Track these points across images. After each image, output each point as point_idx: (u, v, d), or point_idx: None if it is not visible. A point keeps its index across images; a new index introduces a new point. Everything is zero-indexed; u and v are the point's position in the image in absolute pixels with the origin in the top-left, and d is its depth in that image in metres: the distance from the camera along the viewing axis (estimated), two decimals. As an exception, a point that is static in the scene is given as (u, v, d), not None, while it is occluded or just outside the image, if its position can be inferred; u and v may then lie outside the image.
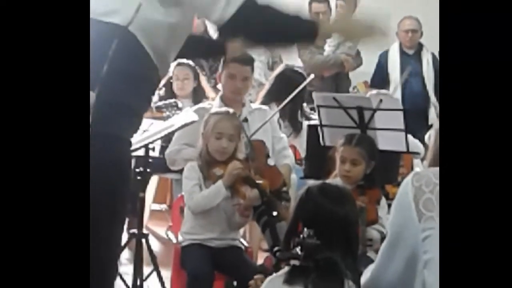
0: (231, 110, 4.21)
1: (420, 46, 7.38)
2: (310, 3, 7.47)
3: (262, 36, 2.38)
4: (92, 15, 2.10)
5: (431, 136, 4.99)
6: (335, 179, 4.08)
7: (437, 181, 1.47)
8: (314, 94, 4.75)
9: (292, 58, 7.14)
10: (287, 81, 5.56)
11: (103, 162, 2.16)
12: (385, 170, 4.40)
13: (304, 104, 5.75)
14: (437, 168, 1.50)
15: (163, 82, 5.75)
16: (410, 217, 1.47)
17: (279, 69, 5.96)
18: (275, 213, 4.11)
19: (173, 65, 5.59)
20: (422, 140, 5.64)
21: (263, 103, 5.45)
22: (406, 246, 1.48)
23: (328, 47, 7.36)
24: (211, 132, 4.05)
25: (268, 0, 2.38)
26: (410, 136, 4.61)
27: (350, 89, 7.48)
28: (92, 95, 2.10)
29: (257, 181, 4.04)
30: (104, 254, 2.24)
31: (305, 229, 2.92)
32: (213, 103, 4.87)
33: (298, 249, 2.88)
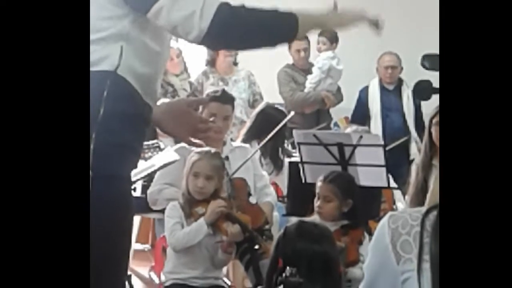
0: (213, 150, 4.21)
1: (400, 82, 7.42)
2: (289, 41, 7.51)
3: (243, 38, 2.35)
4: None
5: (412, 171, 5.00)
6: (317, 216, 4.09)
7: (414, 223, 1.47)
8: (294, 132, 4.77)
9: (273, 96, 7.18)
10: (268, 118, 5.58)
11: (106, 204, 2.19)
12: (368, 206, 4.42)
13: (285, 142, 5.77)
14: (414, 209, 1.50)
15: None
16: (388, 260, 1.47)
17: (260, 107, 5.98)
18: (257, 247, 4.11)
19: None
20: (403, 175, 5.65)
21: (244, 141, 5.46)
22: (385, 288, 1.48)
23: (309, 84, 7.39)
24: (189, 171, 4.06)
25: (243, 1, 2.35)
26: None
27: (331, 125, 7.51)
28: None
29: (238, 217, 4.05)
30: None
31: (288, 268, 2.93)
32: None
33: (281, 288, 2.88)
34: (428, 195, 1.51)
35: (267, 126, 5.28)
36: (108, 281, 2.26)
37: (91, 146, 2.15)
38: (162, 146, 5.51)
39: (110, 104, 2.20)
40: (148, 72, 2.32)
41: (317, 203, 4.12)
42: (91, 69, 2.17)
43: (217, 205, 3.98)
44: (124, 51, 2.24)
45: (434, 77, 2.00)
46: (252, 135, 5.58)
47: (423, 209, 1.49)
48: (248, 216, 4.20)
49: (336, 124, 7.60)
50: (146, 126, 2.42)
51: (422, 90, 2.03)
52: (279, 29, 2.37)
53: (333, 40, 7.54)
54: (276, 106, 6.08)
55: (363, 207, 4.22)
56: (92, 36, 2.20)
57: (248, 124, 5.81)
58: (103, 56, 2.23)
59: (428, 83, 2.01)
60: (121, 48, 2.24)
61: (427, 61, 2.01)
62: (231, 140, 5.27)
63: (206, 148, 4.29)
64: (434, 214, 1.45)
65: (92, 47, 2.20)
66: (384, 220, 1.48)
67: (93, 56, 2.21)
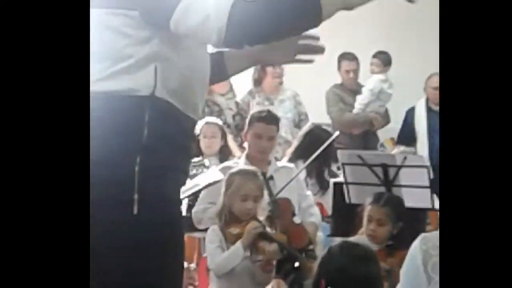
0: (253, 169, 4.20)
1: (447, 102, 7.34)
2: (339, 61, 7.51)
3: (266, 30, 2.15)
4: (116, 92, 2.16)
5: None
6: (361, 237, 4.07)
7: None
8: (339, 152, 4.77)
9: (319, 116, 7.17)
10: (315, 139, 5.58)
11: (156, 227, 2.17)
12: (413, 228, 4.39)
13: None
14: None
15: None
16: (420, 281, 1.47)
17: (307, 127, 5.98)
18: (297, 264, 4.10)
19: (201, 123, 5.64)
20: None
21: (290, 160, 5.46)
22: (417, 309, 1.48)
23: (358, 105, 7.38)
24: (236, 193, 4.02)
25: None
26: None
27: (378, 146, 7.47)
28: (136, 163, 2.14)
29: (274, 236, 4.04)
30: None
31: (328, 288, 2.92)
32: (239, 162, 4.89)
33: (324, 308, 2.87)
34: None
35: (314, 147, 5.28)
36: None
37: (136, 169, 2.13)
38: (207, 163, 5.54)
39: (152, 126, 2.17)
40: (187, 86, 2.26)
41: (370, 226, 4.09)
42: (128, 94, 2.16)
43: (252, 227, 3.95)
44: (158, 72, 2.19)
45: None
46: (299, 155, 5.59)
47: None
48: (284, 235, 4.19)
49: (382, 145, 7.56)
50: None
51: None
52: (302, 12, 2.15)
53: (386, 62, 7.53)
54: (324, 127, 6.09)
55: (410, 229, 4.19)
56: (119, 66, 2.17)
57: (295, 144, 5.82)
58: (137, 82, 2.19)
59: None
60: (155, 69, 2.19)
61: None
62: (276, 159, 5.27)
63: (245, 168, 4.28)
64: None
65: (121, 76, 2.17)
66: (416, 242, 1.49)
67: (126, 84, 2.17)
